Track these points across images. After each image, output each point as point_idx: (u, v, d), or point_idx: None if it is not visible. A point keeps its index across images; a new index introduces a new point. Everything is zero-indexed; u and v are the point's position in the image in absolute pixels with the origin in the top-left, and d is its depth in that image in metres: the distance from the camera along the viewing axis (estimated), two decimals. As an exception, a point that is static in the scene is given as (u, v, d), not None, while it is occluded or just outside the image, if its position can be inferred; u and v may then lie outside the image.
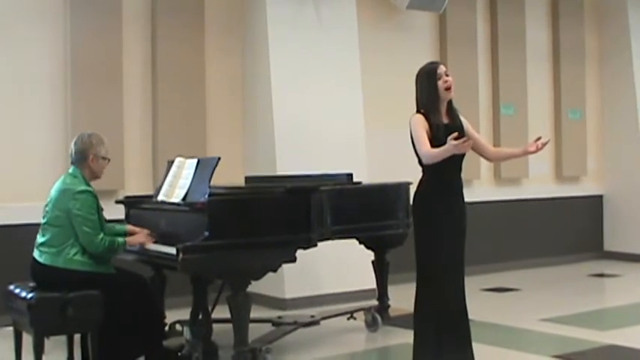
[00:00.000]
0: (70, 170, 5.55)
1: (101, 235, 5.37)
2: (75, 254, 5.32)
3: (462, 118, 5.20)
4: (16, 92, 7.59)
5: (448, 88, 5.05)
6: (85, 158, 5.51)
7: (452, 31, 10.24)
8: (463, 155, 5.04)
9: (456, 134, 4.74)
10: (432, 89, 5.03)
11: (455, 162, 5.02)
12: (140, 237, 5.73)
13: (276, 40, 8.33)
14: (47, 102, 7.71)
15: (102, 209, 5.53)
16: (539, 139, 5.17)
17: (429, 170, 5.02)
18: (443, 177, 5.03)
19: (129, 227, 5.83)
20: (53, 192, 5.49)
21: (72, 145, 5.58)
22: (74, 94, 7.71)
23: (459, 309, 5.09)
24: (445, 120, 5.07)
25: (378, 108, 9.26)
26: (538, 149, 5.17)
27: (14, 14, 7.60)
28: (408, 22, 9.96)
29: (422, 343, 5.07)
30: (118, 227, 5.75)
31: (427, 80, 5.06)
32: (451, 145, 4.72)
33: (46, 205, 5.50)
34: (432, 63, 5.23)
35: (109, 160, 5.65)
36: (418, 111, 5.08)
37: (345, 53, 8.76)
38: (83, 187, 5.40)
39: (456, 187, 5.12)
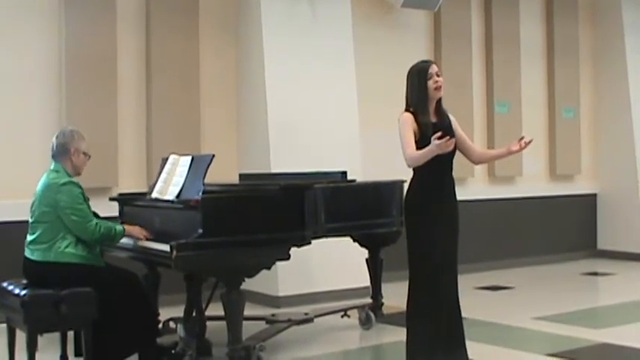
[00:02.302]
0: (52, 166, 5.56)
1: (94, 221, 5.39)
2: (66, 247, 5.33)
3: (451, 117, 5.21)
4: (11, 89, 7.58)
5: (438, 88, 5.06)
6: (67, 151, 5.52)
7: (446, 29, 10.24)
8: (454, 154, 5.05)
9: (439, 134, 4.74)
10: (422, 88, 5.04)
11: (446, 161, 5.03)
12: (138, 231, 5.72)
13: (270, 38, 8.32)
14: (42, 99, 7.70)
15: (88, 199, 5.53)
16: (522, 138, 5.19)
17: (420, 170, 5.02)
18: (434, 176, 5.03)
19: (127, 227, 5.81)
20: (38, 189, 5.50)
21: (53, 139, 5.60)
22: (69, 92, 7.70)
23: (452, 309, 5.09)
24: (434, 119, 5.07)
25: (372, 105, 9.25)
26: (521, 148, 5.20)
27: (9, 12, 7.58)
28: (402, 20, 9.96)
29: (415, 343, 5.07)
30: (113, 223, 5.72)
31: (418, 79, 5.07)
32: (434, 145, 4.73)
33: (32, 204, 5.50)
34: (424, 62, 5.23)
35: (89, 156, 5.65)
36: (407, 109, 5.09)
37: (339, 51, 8.75)
38: (67, 179, 5.42)
39: (447, 186, 5.12)
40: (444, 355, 5.01)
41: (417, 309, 5.07)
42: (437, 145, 4.71)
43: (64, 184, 5.39)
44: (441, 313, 5.01)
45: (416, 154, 4.90)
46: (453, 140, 4.79)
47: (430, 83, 5.04)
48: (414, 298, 5.09)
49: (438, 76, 5.06)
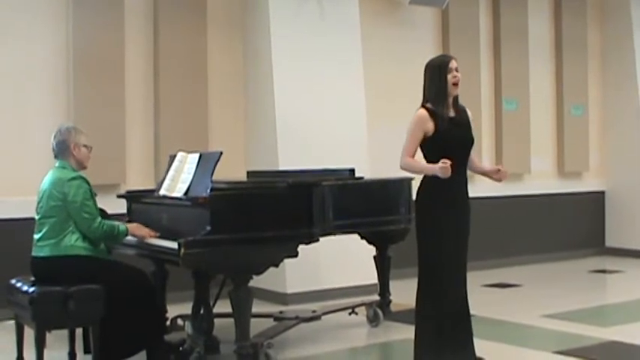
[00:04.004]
0: (57, 164, 5.57)
1: (99, 219, 5.40)
2: (76, 240, 5.35)
3: (469, 112, 5.21)
4: (18, 87, 7.59)
5: (455, 84, 5.05)
6: (67, 147, 5.53)
7: (454, 27, 10.22)
8: (469, 150, 5.06)
9: (449, 163, 4.76)
10: (441, 82, 5.02)
11: (460, 158, 5.03)
12: (143, 230, 5.72)
13: (278, 36, 8.31)
14: (49, 97, 7.71)
15: (95, 194, 5.54)
16: (498, 170, 5.23)
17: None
18: (446, 179, 5.02)
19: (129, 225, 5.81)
20: (44, 186, 5.50)
21: (52, 140, 5.60)
22: (76, 89, 7.71)
23: (459, 310, 5.08)
24: (452, 113, 5.07)
25: (380, 103, 9.25)
26: (501, 179, 5.22)
27: (17, 9, 7.59)
28: (410, 17, 9.95)
29: (422, 342, 5.06)
30: (117, 223, 5.73)
31: (438, 72, 5.05)
32: (438, 168, 4.79)
33: (39, 202, 5.50)
34: (444, 56, 5.27)
35: (91, 148, 5.65)
36: (424, 104, 5.08)
37: (347, 48, 8.75)
38: (75, 174, 5.44)
39: (459, 186, 5.09)
40: (450, 355, 5.00)
41: (424, 309, 5.07)
42: (441, 168, 4.77)
43: (73, 178, 5.40)
44: (446, 314, 5.00)
45: (411, 163, 4.99)
46: (449, 168, 4.81)
47: (449, 77, 5.03)
48: (421, 297, 5.09)
49: (457, 71, 5.06)
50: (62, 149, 5.55)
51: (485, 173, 5.35)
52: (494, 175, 5.24)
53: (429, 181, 5.07)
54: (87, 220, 5.35)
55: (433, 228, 5.03)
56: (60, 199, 5.36)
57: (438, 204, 5.01)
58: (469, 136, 5.13)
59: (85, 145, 5.60)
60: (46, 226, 5.40)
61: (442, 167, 4.76)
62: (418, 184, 5.14)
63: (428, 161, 5.02)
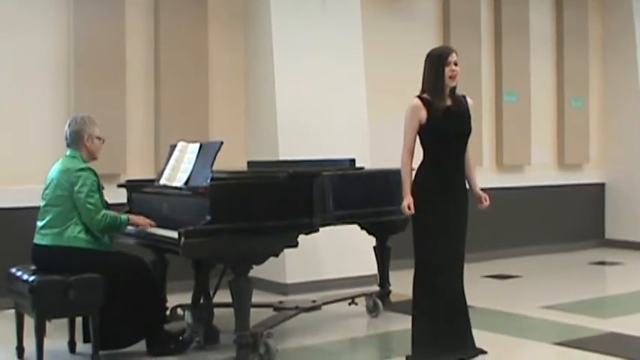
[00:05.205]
0: (68, 152, 5.60)
1: (103, 212, 5.42)
2: (79, 232, 5.38)
3: (469, 100, 5.23)
4: (19, 77, 7.58)
5: (452, 77, 5.07)
6: (81, 138, 5.56)
7: (455, 18, 10.20)
8: (464, 141, 5.06)
9: (412, 211, 4.98)
10: (438, 73, 5.04)
11: (459, 145, 5.05)
12: (143, 219, 5.72)
13: (279, 27, 8.30)
14: (50, 87, 7.70)
15: (103, 188, 5.55)
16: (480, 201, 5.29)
17: (431, 154, 5.04)
18: (445, 161, 5.03)
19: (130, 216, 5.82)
20: (53, 174, 5.53)
21: (66, 128, 5.64)
22: (77, 80, 7.70)
23: (456, 305, 5.08)
24: (448, 102, 5.08)
25: (381, 93, 9.23)
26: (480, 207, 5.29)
27: (18, 0, 7.58)
28: (411, 9, 9.93)
29: (420, 338, 5.08)
30: (118, 213, 5.74)
31: (437, 63, 5.07)
32: (405, 202, 5.03)
33: (46, 188, 5.53)
34: (446, 47, 5.31)
35: (103, 140, 5.68)
36: (421, 93, 5.10)
37: (348, 40, 8.73)
38: (84, 165, 5.47)
39: (454, 177, 5.10)
40: (448, 349, 5.01)
41: (419, 305, 5.09)
42: (404, 206, 5.02)
43: (82, 169, 5.42)
44: (440, 308, 5.01)
45: (402, 167, 5.10)
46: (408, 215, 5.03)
47: (447, 70, 5.03)
48: (417, 294, 5.12)
49: (455, 65, 5.07)
50: (75, 139, 5.57)
51: (470, 187, 5.34)
52: (475, 198, 5.27)
53: (427, 167, 5.08)
54: (90, 212, 5.36)
55: (426, 227, 5.04)
56: (67, 189, 5.38)
57: (434, 191, 5.02)
58: (466, 125, 5.13)
59: (98, 137, 5.63)
60: (50, 214, 5.42)
61: (404, 206, 5.03)
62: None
63: (425, 150, 5.07)
